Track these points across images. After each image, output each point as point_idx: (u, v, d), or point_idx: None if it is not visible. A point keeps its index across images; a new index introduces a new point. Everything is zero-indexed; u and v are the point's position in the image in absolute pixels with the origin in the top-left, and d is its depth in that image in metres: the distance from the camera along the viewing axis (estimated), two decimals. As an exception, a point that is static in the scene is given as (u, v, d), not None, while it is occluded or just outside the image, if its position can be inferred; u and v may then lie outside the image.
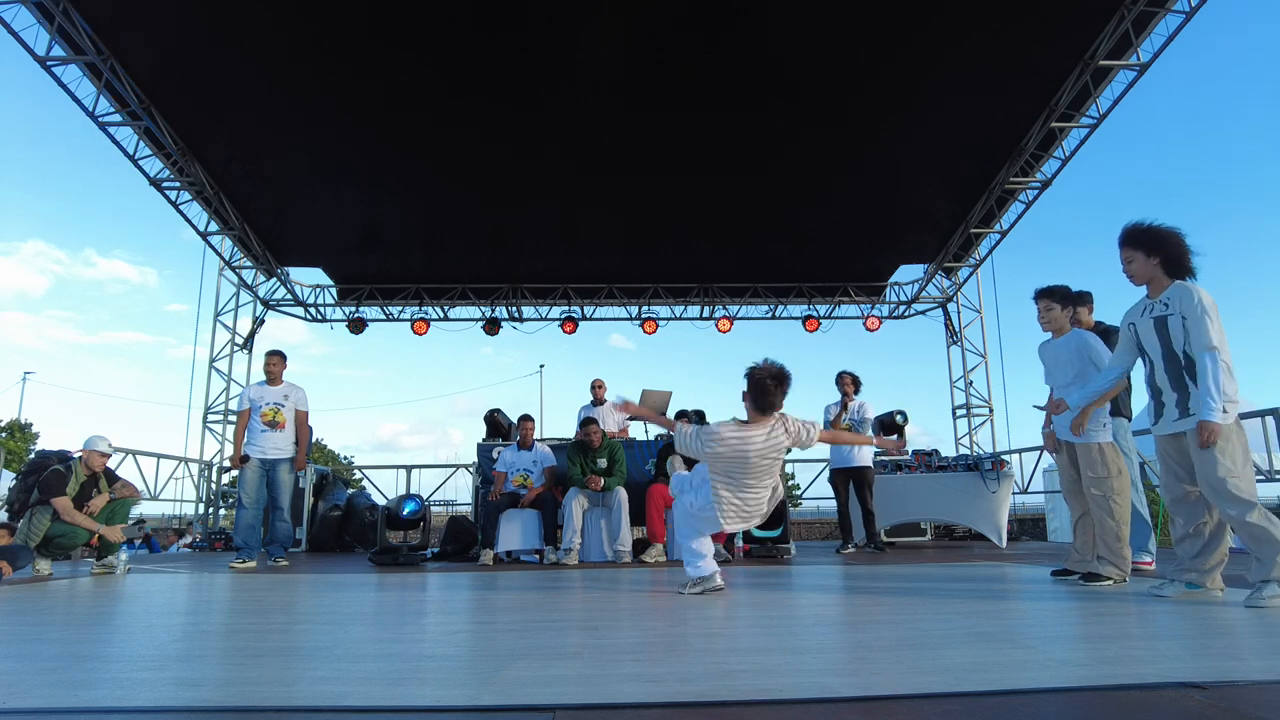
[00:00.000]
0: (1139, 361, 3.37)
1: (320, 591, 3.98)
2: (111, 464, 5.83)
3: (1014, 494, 7.83)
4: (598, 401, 7.28)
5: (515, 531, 6.05)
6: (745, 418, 3.50)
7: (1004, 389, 10.93)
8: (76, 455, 5.28)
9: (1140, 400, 3.71)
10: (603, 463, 6.08)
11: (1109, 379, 3.51)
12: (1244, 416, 3.16)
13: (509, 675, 1.82)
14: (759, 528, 6.34)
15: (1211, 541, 3.14)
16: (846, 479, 6.67)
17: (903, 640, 2.28)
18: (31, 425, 28.54)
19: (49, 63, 6.62)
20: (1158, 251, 3.14)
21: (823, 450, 8.61)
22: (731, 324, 11.28)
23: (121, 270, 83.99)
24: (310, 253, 10.64)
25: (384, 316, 11.50)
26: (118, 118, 7.39)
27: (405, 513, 6.13)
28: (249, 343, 10.80)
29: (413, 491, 8.85)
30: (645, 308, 11.40)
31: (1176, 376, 3.07)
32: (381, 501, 8.77)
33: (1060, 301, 3.96)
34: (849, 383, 6.71)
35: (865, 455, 6.63)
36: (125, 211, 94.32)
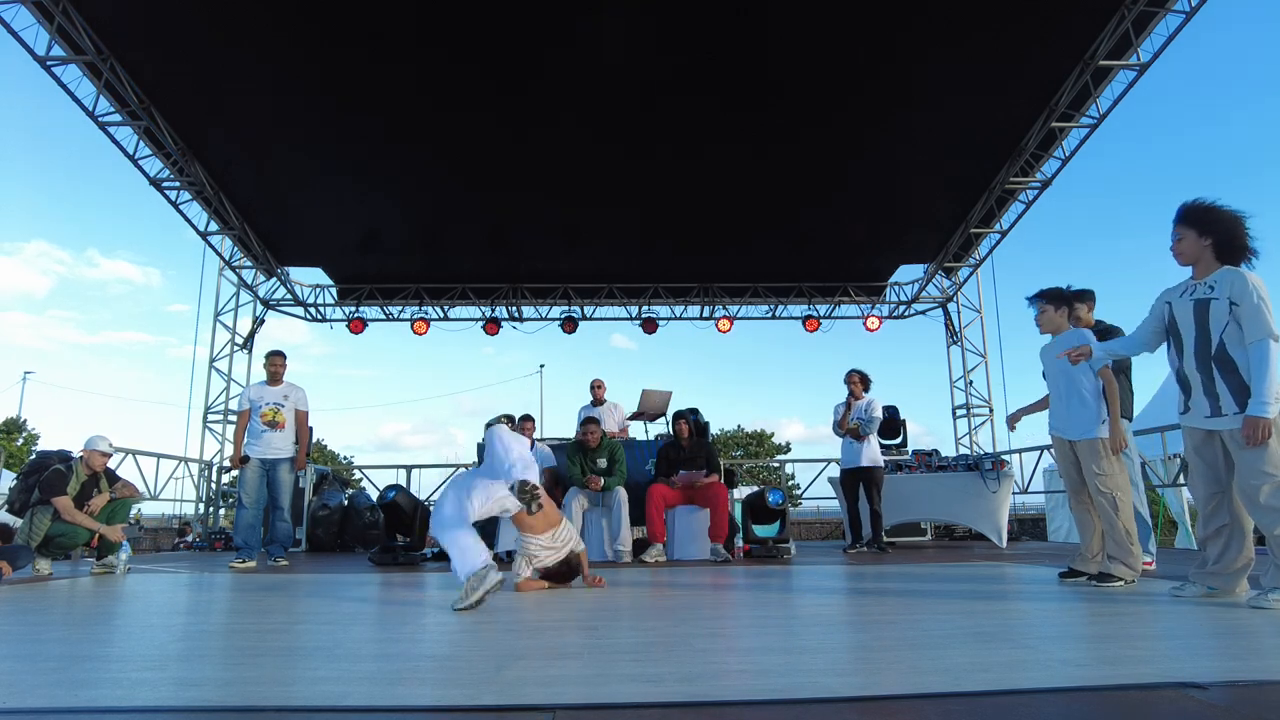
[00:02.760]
0: (1137, 357, 3.26)
1: (320, 591, 3.98)
2: (112, 464, 5.84)
3: (1014, 494, 7.84)
4: (597, 402, 7.28)
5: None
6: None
7: (1004, 389, 10.93)
8: (77, 455, 5.28)
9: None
10: (602, 463, 6.08)
11: (1126, 346, 3.40)
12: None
13: (509, 675, 1.82)
14: (759, 525, 6.37)
15: (1233, 543, 3.03)
16: (856, 480, 6.66)
17: (902, 640, 2.28)
18: (26, 422, 28.54)
19: (49, 63, 6.61)
20: (1211, 232, 2.96)
21: (823, 450, 8.60)
22: (731, 324, 11.28)
23: (125, 270, 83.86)
24: (310, 253, 10.64)
25: (384, 316, 11.50)
26: (118, 117, 7.39)
27: (387, 499, 6.21)
28: (249, 343, 10.80)
29: (412, 491, 8.86)
30: (645, 308, 11.41)
31: (1205, 366, 2.92)
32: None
33: (1053, 302, 3.95)
34: (857, 381, 6.69)
35: (874, 455, 6.62)
36: (129, 212, 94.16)
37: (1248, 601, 2.86)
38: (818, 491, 10.09)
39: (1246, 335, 2.81)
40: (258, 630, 2.66)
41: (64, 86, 6.85)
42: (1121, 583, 3.57)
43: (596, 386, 7.33)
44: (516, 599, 3.56)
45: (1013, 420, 4.35)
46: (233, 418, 9.73)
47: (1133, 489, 4.47)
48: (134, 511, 11.15)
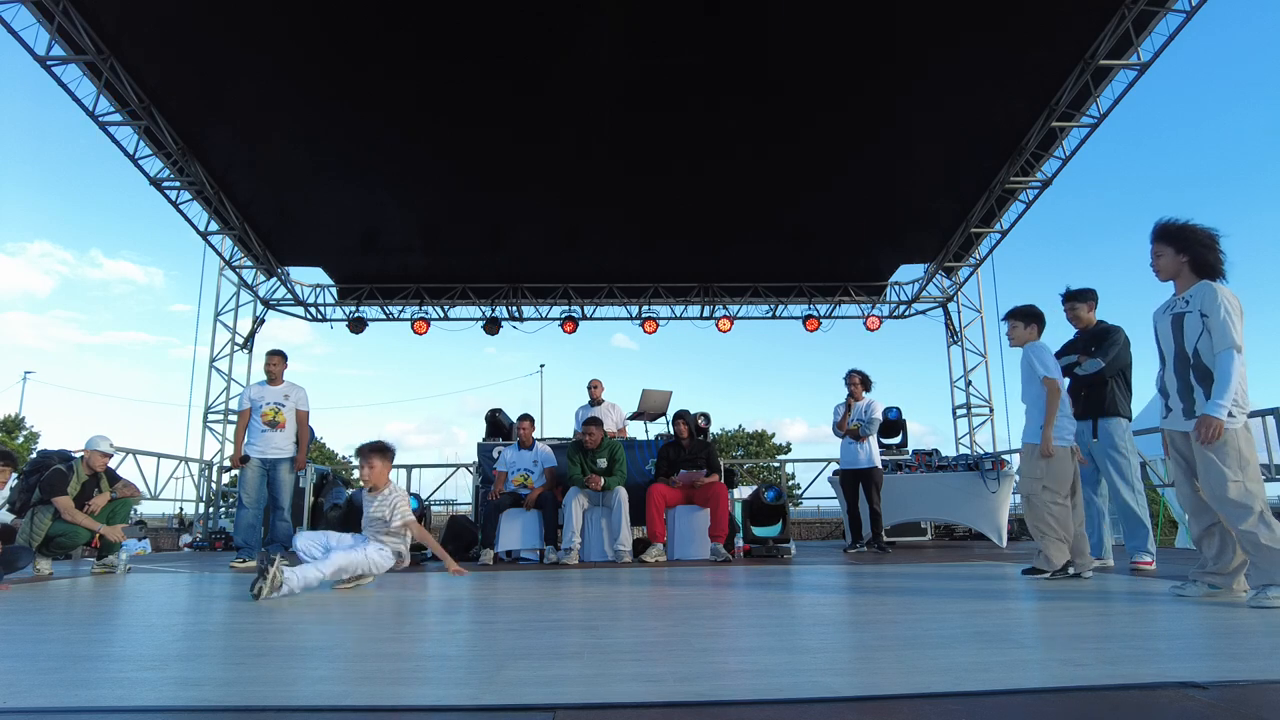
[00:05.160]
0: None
1: (320, 591, 3.98)
2: (112, 464, 5.84)
3: (1014, 494, 7.83)
4: (595, 401, 7.28)
5: (515, 531, 6.06)
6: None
7: (1004, 389, 10.91)
8: (78, 455, 5.28)
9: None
10: (603, 462, 6.08)
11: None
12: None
13: (509, 675, 1.82)
14: (758, 526, 6.37)
15: (1228, 542, 3.11)
16: (855, 480, 6.67)
17: (903, 640, 2.28)
18: (25, 419, 28.58)
19: (49, 63, 6.61)
20: (1186, 250, 3.12)
21: (822, 450, 8.59)
22: (732, 324, 11.29)
23: (127, 271, 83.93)
24: (310, 252, 10.64)
25: (384, 316, 11.50)
26: (118, 117, 7.38)
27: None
28: (249, 342, 10.80)
29: (413, 490, 8.86)
30: (645, 307, 11.41)
31: (1184, 376, 3.07)
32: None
33: (1022, 320, 4.19)
34: (857, 382, 6.69)
35: (874, 456, 6.63)
36: (133, 212, 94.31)
37: (1248, 601, 2.88)
38: (818, 491, 10.11)
39: (1214, 346, 2.96)
40: (258, 630, 2.66)
41: (64, 86, 6.85)
42: (1046, 574, 3.87)
43: (594, 386, 7.34)
44: (517, 596, 3.56)
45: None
46: (233, 417, 9.74)
47: (1130, 489, 4.52)
48: (177, 510, 11.17)
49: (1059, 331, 5.77)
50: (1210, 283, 3.05)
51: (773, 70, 7.09)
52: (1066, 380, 4.84)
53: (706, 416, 7.00)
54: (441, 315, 11.50)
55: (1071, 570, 3.90)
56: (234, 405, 10.02)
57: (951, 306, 11.40)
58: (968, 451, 10.70)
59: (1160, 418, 3.26)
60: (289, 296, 11.21)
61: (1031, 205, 9.11)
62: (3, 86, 78.84)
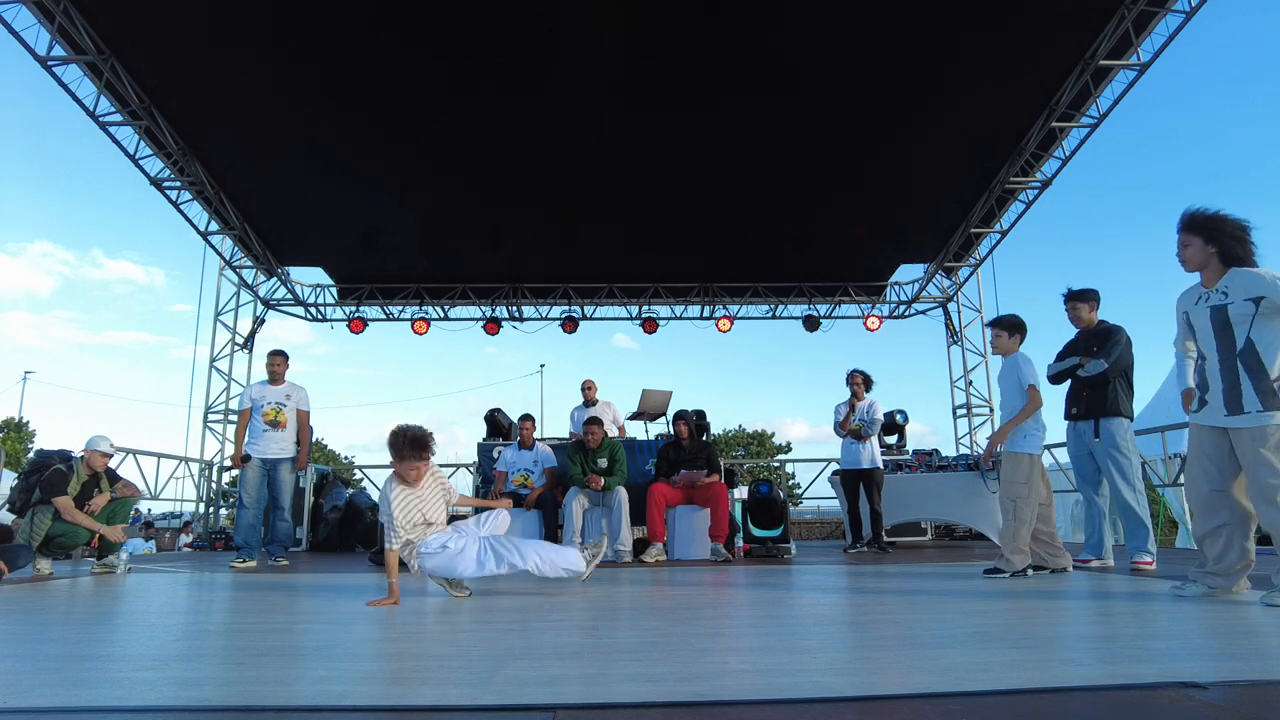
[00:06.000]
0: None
1: (320, 591, 3.98)
2: (113, 464, 5.84)
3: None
4: (589, 402, 7.28)
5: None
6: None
7: (1004, 388, 10.91)
8: (78, 455, 5.28)
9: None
10: (603, 462, 6.08)
11: (1181, 370, 3.39)
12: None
13: (509, 675, 1.82)
14: (759, 527, 6.37)
15: (1234, 543, 3.03)
16: (856, 480, 6.67)
17: (903, 640, 2.28)
18: (27, 422, 28.62)
19: (50, 63, 6.61)
20: (1215, 241, 3.01)
21: (823, 450, 8.57)
22: (732, 323, 11.29)
23: (129, 271, 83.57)
24: (310, 252, 10.64)
25: (384, 316, 11.50)
26: (118, 117, 7.38)
27: None
28: (249, 342, 10.80)
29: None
30: (645, 307, 11.40)
31: (1230, 368, 2.93)
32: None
33: (1006, 329, 4.36)
34: (859, 382, 6.70)
35: (875, 456, 6.63)
36: (134, 212, 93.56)
37: (1261, 600, 2.84)
38: (818, 491, 10.10)
39: None
40: (258, 630, 2.66)
41: (65, 87, 6.85)
42: (1006, 574, 4.09)
43: (588, 387, 7.33)
44: (517, 596, 3.56)
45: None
46: (233, 417, 9.73)
47: (1131, 489, 4.52)
48: (189, 510, 11.18)
49: (1060, 331, 5.77)
50: (1249, 270, 2.92)
51: (773, 71, 7.08)
52: (1067, 383, 4.86)
53: (701, 414, 7.00)
54: (441, 315, 11.49)
55: (1030, 573, 4.17)
56: (234, 405, 10.01)
57: (951, 306, 11.39)
58: (968, 451, 10.70)
59: (1191, 410, 3.14)
60: (289, 296, 11.21)
61: (1031, 205, 9.11)
62: (3, 86, 78.59)
